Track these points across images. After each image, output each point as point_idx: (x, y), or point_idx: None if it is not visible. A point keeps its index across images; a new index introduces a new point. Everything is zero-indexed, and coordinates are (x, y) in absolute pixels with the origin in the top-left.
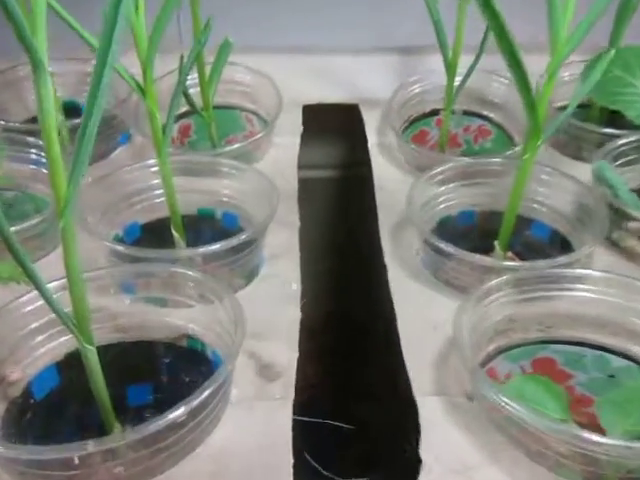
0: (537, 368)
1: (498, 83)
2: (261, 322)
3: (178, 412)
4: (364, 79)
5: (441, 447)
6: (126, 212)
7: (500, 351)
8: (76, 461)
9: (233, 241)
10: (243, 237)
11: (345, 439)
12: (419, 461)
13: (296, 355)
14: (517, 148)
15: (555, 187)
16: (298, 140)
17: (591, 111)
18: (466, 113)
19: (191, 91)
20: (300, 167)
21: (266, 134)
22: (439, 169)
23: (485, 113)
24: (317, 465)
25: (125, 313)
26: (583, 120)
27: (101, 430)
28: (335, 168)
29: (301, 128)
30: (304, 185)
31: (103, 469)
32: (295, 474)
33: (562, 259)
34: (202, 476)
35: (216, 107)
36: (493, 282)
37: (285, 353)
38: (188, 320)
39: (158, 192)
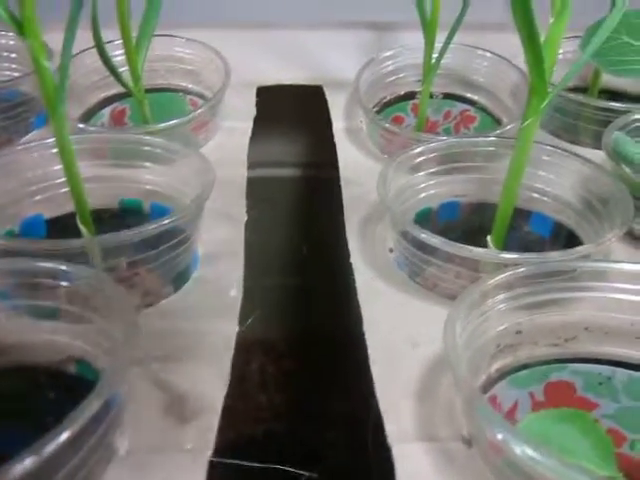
0: (551, 395)
1: (481, 59)
2: (181, 340)
3: (17, 470)
4: (328, 58)
5: None
6: (25, 204)
7: (503, 374)
8: None
9: (147, 229)
10: (164, 223)
11: None
12: None
13: (226, 384)
14: (510, 125)
15: (559, 170)
16: (250, 125)
17: (589, 93)
18: (447, 97)
19: (122, 70)
20: (253, 164)
21: (209, 112)
22: (416, 150)
23: (468, 96)
24: None
25: None
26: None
27: None
28: (294, 160)
29: (254, 111)
30: (257, 184)
31: None
32: None
33: (582, 249)
34: None
35: (155, 90)
36: (492, 281)
37: (210, 381)
38: (77, 338)
39: (64, 180)
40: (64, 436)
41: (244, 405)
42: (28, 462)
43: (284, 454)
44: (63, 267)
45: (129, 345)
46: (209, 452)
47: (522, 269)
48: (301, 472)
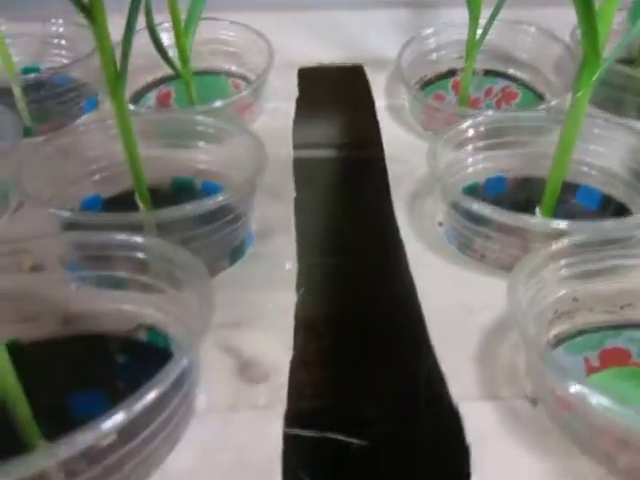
0: (606, 361)
1: (524, 34)
2: (244, 309)
3: (100, 429)
4: (368, 37)
5: (503, 476)
6: (83, 184)
7: (560, 340)
8: None
9: (206, 203)
10: (219, 199)
11: (356, 459)
12: None
13: (290, 351)
14: (555, 101)
15: (607, 142)
16: (293, 105)
17: (635, 65)
18: (488, 73)
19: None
20: (297, 145)
21: (253, 94)
22: (463, 125)
23: (510, 72)
24: None
25: (67, 298)
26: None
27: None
28: (338, 140)
29: (297, 92)
30: (301, 165)
31: None
32: None
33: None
34: None
35: (198, 73)
36: (550, 249)
37: (275, 348)
38: (147, 306)
39: (121, 159)
40: (152, 395)
41: (303, 376)
42: (119, 417)
43: (338, 424)
44: (135, 238)
45: (208, 311)
46: (283, 407)
47: (579, 237)
48: (352, 440)
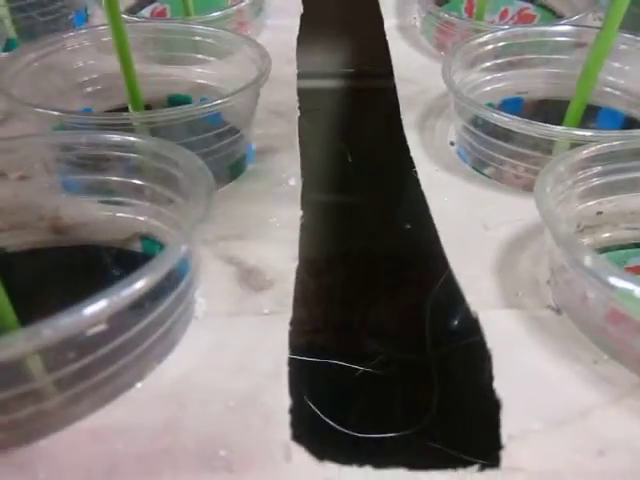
0: None
1: None
2: (246, 222)
3: (83, 314)
4: None
5: (528, 381)
6: (73, 97)
7: None
8: None
9: (199, 108)
10: (214, 104)
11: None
12: (490, 403)
13: (296, 260)
14: (578, 16)
15: (634, 61)
16: (297, 22)
17: None
18: None
19: None
20: (302, 64)
21: (254, 7)
22: (480, 40)
23: None
24: (327, 418)
25: (57, 206)
26: None
27: None
28: (345, 60)
29: (301, 8)
30: (307, 87)
31: None
32: (302, 431)
33: None
34: (147, 422)
35: None
36: (575, 157)
37: (280, 258)
38: (142, 214)
39: (115, 71)
40: (141, 283)
41: (315, 310)
42: (103, 303)
43: (345, 353)
44: (129, 138)
45: (205, 205)
46: (289, 315)
47: (606, 144)
48: (356, 367)
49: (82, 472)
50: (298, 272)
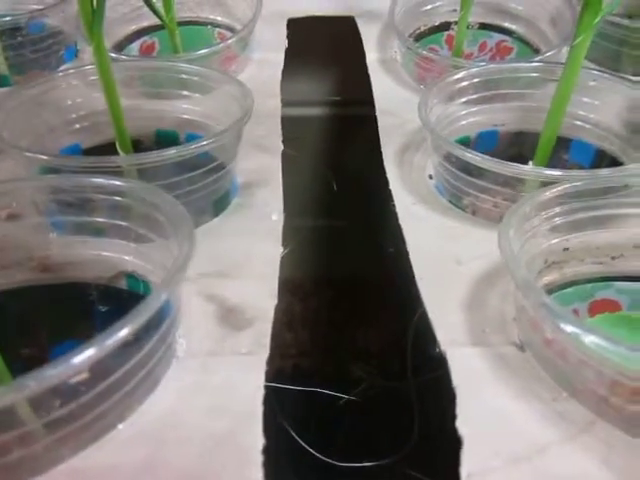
0: (595, 313)
1: None
2: (228, 259)
3: (70, 364)
4: None
5: (489, 418)
6: (62, 134)
7: (549, 290)
8: None
9: (188, 148)
10: (201, 144)
11: (345, 415)
12: (452, 441)
13: (275, 299)
14: (551, 52)
15: (603, 96)
16: (282, 57)
17: (635, 19)
18: (483, 27)
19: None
20: (285, 98)
21: (240, 44)
22: (456, 76)
23: (506, 25)
24: (309, 447)
25: (45, 246)
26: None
27: None
28: (327, 93)
29: (285, 43)
30: (289, 123)
31: None
32: (276, 459)
33: (633, 166)
34: (128, 462)
35: (183, 23)
36: (541, 197)
37: (259, 296)
38: (127, 253)
39: (104, 107)
40: (125, 331)
41: (289, 337)
42: (90, 352)
43: (325, 382)
44: (115, 181)
45: (188, 249)
46: (266, 355)
47: (572, 184)
48: (340, 395)
49: None
50: (283, 296)
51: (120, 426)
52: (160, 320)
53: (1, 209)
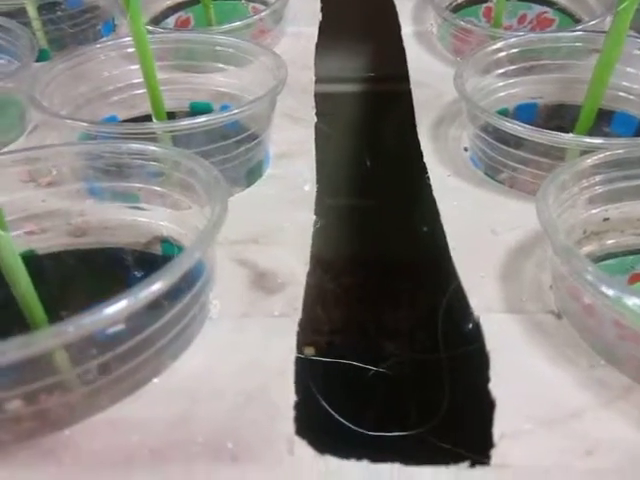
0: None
1: None
2: (260, 227)
3: (113, 309)
4: None
5: (523, 382)
6: (99, 105)
7: None
8: None
9: (221, 116)
10: (235, 112)
11: (376, 387)
12: (485, 404)
13: (307, 265)
14: (594, 21)
15: None
16: (316, 30)
17: None
18: None
19: None
20: (318, 79)
21: (273, 16)
22: (494, 47)
23: None
24: (339, 416)
25: (83, 211)
26: None
27: None
28: (362, 66)
29: (319, 16)
30: (323, 100)
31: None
32: (307, 426)
33: None
34: (162, 415)
35: None
36: (580, 165)
37: (291, 262)
38: (162, 219)
39: (140, 80)
40: (158, 285)
41: (320, 309)
42: (123, 303)
43: (357, 353)
44: (151, 147)
45: (220, 212)
46: (297, 318)
47: (612, 152)
48: (370, 367)
49: (101, 460)
50: (315, 274)
51: (155, 380)
52: (193, 279)
53: (41, 176)
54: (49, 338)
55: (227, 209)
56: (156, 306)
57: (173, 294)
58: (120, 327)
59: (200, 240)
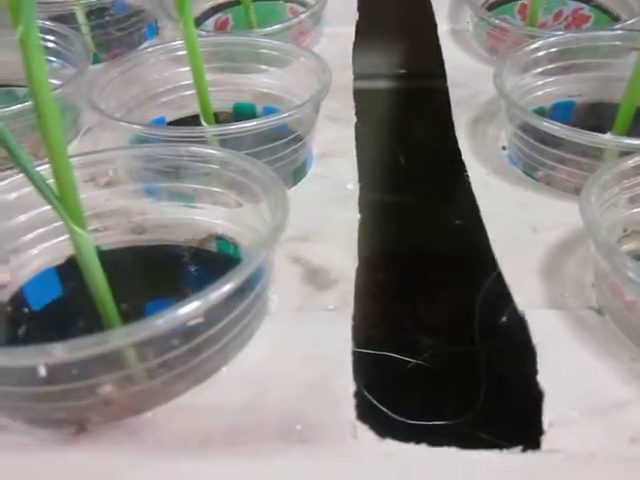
0: None
1: None
2: (309, 225)
3: (188, 308)
4: None
5: (568, 374)
6: (149, 107)
7: None
8: (42, 373)
9: (269, 122)
10: (282, 116)
11: (414, 378)
12: (532, 394)
13: (356, 261)
14: (634, 19)
15: None
16: (353, 29)
17: None
18: None
19: None
20: (356, 76)
21: (312, 18)
22: (532, 46)
23: None
24: (380, 405)
25: (141, 210)
26: None
27: None
28: (398, 65)
29: (356, 16)
30: (361, 96)
31: (85, 390)
32: (359, 410)
33: None
34: (233, 400)
35: None
36: (622, 166)
37: (341, 258)
38: (217, 217)
39: (187, 82)
40: (228, 286)
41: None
42: (195, 304)
43: (396, 346)
44: (207, 150)
45: (283, 215)
46: (351, 311)
47: None
48: (409, 359)
49: (181, 441)
50: (361, 270)
51: (224, 369)
52: (257, 278)
53: (100, 176)
54: (117, 338)
55: (288, 213)
56: (226, 304)
57: (240, 293)
58: (198, 320)
59: (264, 244)
